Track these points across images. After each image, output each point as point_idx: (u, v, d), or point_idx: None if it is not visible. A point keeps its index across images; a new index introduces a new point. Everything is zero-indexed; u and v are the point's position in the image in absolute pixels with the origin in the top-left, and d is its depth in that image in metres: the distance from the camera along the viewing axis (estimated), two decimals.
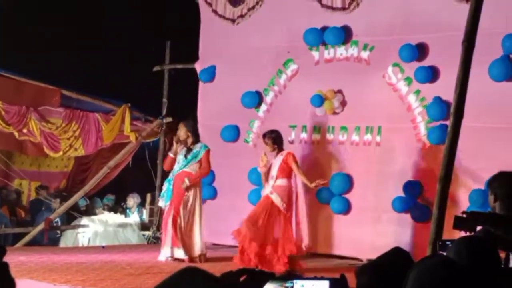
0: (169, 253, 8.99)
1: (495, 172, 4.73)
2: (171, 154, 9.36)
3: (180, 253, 8.97)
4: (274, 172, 8.71)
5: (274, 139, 8.85)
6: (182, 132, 9.27)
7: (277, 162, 8.73)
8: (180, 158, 9.23)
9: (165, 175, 10.72)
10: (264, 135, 8.95)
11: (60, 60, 12.67)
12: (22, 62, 11.72)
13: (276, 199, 8.61)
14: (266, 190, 8.76)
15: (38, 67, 11.64)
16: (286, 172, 8.70)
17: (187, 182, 9.05)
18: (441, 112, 9.03)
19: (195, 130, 9.39)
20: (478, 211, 4.70)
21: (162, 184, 11.40)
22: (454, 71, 7.12)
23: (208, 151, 9.24)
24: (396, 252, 3.08)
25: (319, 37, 10.18)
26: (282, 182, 8.69)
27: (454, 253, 2.88)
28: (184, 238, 9.01)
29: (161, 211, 10.73)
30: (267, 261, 8.43)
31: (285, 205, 8.59)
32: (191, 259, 8.93)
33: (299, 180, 8.76)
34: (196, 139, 9.30)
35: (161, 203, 9.43)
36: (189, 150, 9.22)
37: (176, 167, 9.24)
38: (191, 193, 9.14)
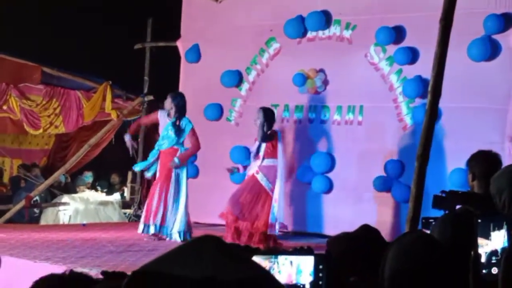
0: (156, 230, 8.93)
1: (474, 151, 4.76)
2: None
3: (164, 231, 8.95)
4: (261, 152, 8.71)
5: (268, 116, 8.77)
6: (167, 103, 9.14)
7: (264, 143, 8.74)
8: (165, 133, 9.09)
9: (146, 153, 10.67)
10: (261, 109, 8.85)
11: (41, 36, 12.55)
12: (2, 38, 11.58)
13: (263, 179, 8.64)
14: (252, 170, 8.77)
15: (18, 43, 11.52)
16: (273, 152, 8.71)
17: (176, 161, 8.95)
18: (417, 90, 9.08)
19: (181, 105, 9.11)
20: (457, 190, 4.72)
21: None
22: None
23: (193, 127, 9.13)
24: (367, 228, 3.29)
25: (299, 27, 10.13)
26: (269, 162, 8.70)
27: (438, 231, 2.91)
28: (169, 216, 8.98)
29: (143, 187, 10.66)
30: (248, 237, 8.47)
31: (271, 186, 8.63)
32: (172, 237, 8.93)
33: (279, 159, 8.79)
34: (181, 115, 9.11)
35: (148, 173, 9.43)
36: (176, 126, 9.06)
37: (163, 144, 9.10)
38: (181, 171, 9.07)
